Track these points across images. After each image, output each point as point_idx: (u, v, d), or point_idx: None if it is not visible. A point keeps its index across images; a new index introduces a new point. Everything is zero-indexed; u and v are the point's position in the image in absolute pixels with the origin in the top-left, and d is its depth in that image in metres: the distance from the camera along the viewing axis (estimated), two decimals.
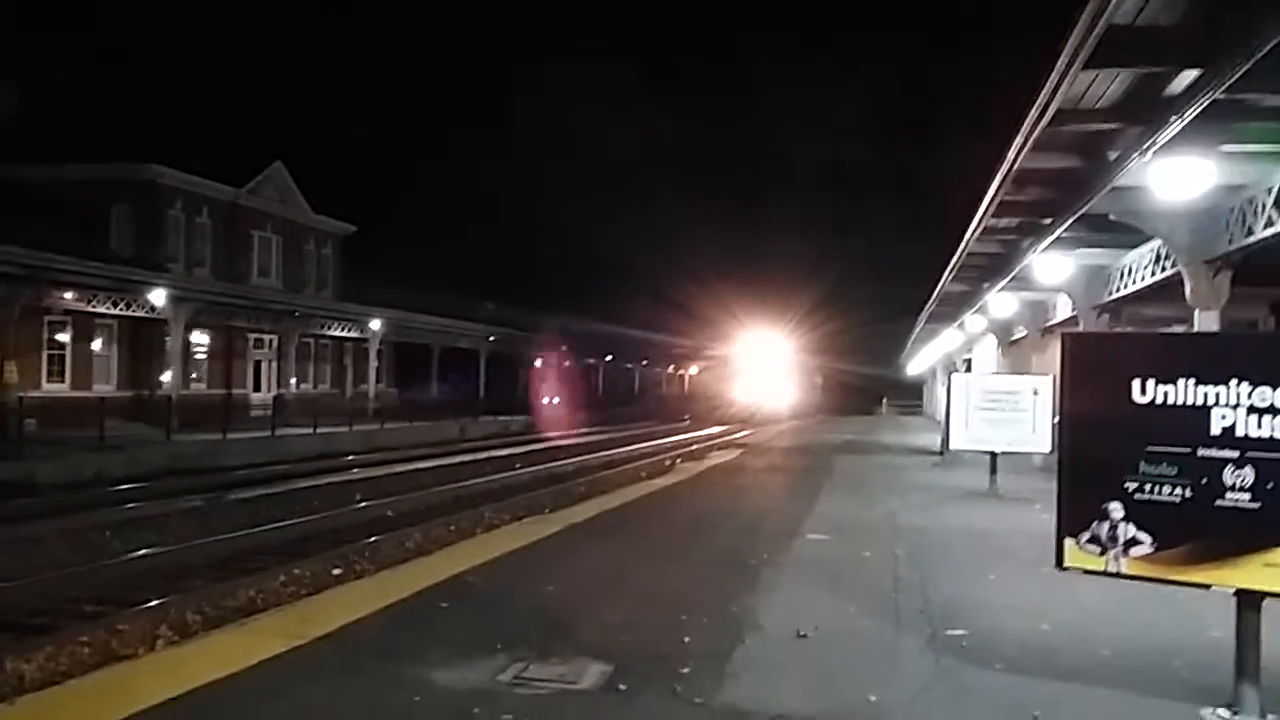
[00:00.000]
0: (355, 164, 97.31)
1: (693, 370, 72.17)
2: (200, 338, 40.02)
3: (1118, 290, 17.55)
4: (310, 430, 32.90)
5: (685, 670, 5.73)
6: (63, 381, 35.10)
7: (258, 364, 44.85)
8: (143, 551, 13.75)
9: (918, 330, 42.69)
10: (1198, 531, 4.94)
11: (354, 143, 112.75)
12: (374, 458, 30.54)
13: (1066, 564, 5.34)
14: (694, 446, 37.27)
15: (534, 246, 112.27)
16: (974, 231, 16.62)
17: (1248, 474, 4.81)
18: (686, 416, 60.34)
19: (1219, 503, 4.86)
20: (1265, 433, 4.78)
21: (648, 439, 42.34)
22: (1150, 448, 5.06)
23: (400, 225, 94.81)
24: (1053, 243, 14.96)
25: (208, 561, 13.43)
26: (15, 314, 28.56)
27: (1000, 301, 22.46)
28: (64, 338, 35.20)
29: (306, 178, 47.94)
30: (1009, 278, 19.03)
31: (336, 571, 12.74)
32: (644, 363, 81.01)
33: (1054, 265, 17.01)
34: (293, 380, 42.17)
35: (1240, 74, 7.42)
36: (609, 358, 73.73)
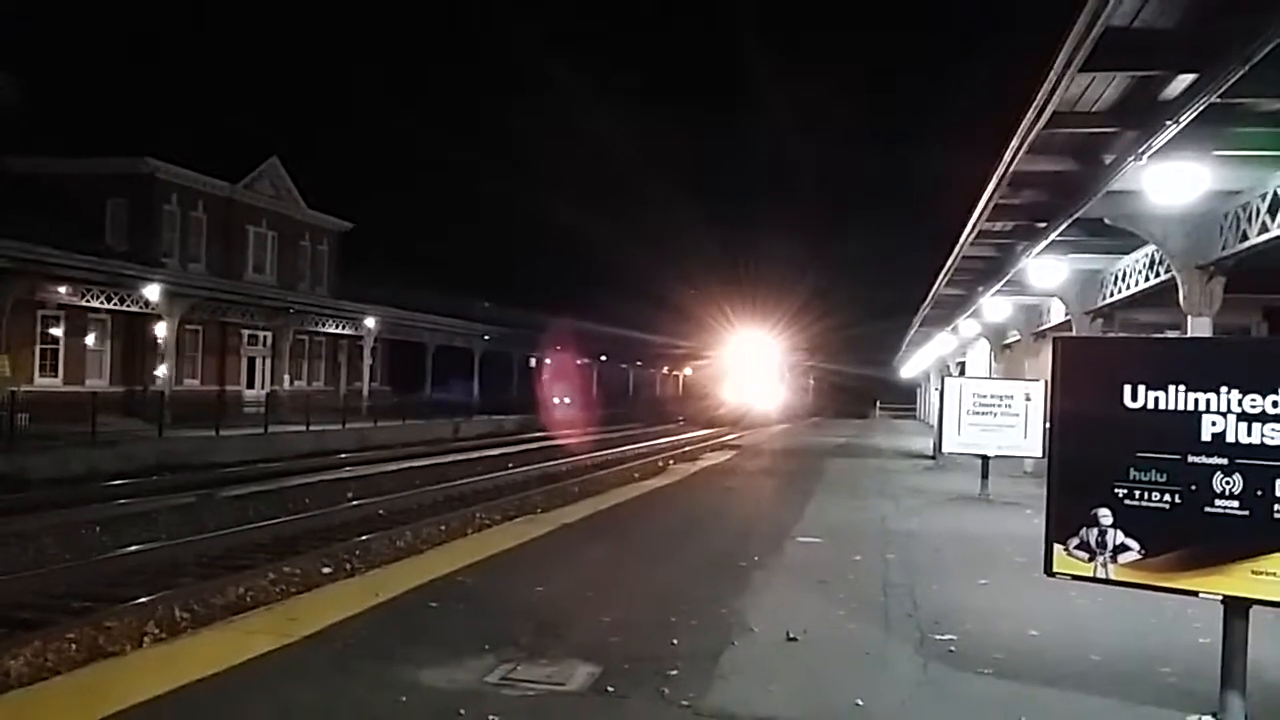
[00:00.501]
0: (352, 161, 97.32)
1: (686, 371, 71.92)
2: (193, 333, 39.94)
3: (1111, 295, 17.58)
4: (303, 428, 32.88)
5: (674, 672, 5.72)
6: (55, 376, 35.00)
7: (252, 360, 44.76)
8: (132, 548, 13.71)
9: (911, 334, 42.74)
10: (1186, 538, 4.93)
11: (350, 139, 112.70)
12: (367, 456, 30.53)
13: (1055, 570, 5.33)
14: (686, 448, 37.26)
15: (529, 246, 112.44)
16: (969, 235, 16.63)
17: (1237, 481, 4.80)
18: (680, 418, 60.19)
19: (1208, 509, 4.85)
20: (1255, 440, 4.77)
21: (641, 440, 42.34)
22: (1140, 453, 5.05)
23: (396, 223, 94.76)
24: (1047, 247, 14.98)
25: (197, 559, 13.39)
26: (8, 308, 28.48)
27: (994, 305, 22.50)
28: (57, 332, 35.11)
29: (302, 174, 47.95)
30: (1003, 281, 19.05)
31: (326, 570, 12.72)
32: (638, 364, 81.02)
33: (1048, 269, 17.04)
34: (286, 377, 42.09)
35: (1236, 78, 7.44)
36: (603, 358, 73.72)
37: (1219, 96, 7.91)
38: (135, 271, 32.54)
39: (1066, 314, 19.73)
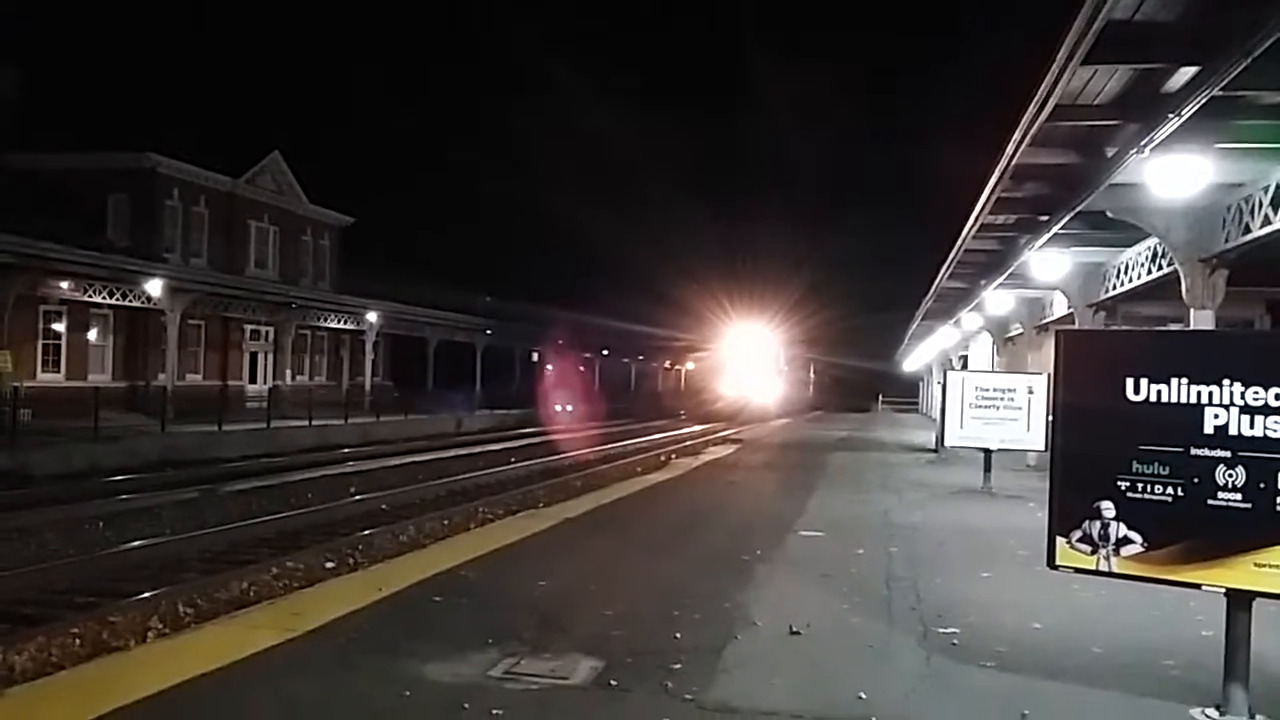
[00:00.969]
0: (353, 156, 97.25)
1: (689, 366, 71.57)
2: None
3: (1114, 288, 17.57)
4: (306, 423, 32.87)
5: (677, 666, 5.72)
6: (58, 371, 35.05)
7: (254, 355, 44.81)
8: (135, 543, 13.72)
9: (914, 327, 42.72)
10: (1189, 531, 4.94)
11: (352, 135, 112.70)
12: (369, 451, 30.56)
13: (1058, 563, 5.34)
14: (688, 443, 37.25)
15: (530, 241, 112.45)
16: (971, 228, 16.61)
17: (1240, 474, 4.80)
18: (682, 413, 59.96)
19: (1210, 502, 4.86)
20: (1258, 432, 4.77)
21: (642, 434, 42.32)
22: (1143, 446, 5.06)
23: (398, 218, 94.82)
24: (1050, 240, 14.97)
25: (201, 554, 13.41)
26: (10, 303, 28.48)
27: (997, 299, 22.49)
28: (59, 327, 35.14)
29: (304, 169, 47.98)
30: (1005, 275, 19.04)
31: (329, 565, 12.73)
32: (640, 358, 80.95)
33: (1051, 263, 17.03)
34: (288, 372, 42.12)
35: (1238, 71, 7.42)
36: (605, 353, 73.68)
37: (1221, 89, 7.90)
38: (137, 267, 32.54)
39: (1069, 307, 19.72)
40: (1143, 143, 9.53)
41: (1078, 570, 5.30)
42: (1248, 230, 11.54)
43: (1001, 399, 15.43)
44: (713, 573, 8.64)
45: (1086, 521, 5.20)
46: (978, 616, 7.15)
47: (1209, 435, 4.89)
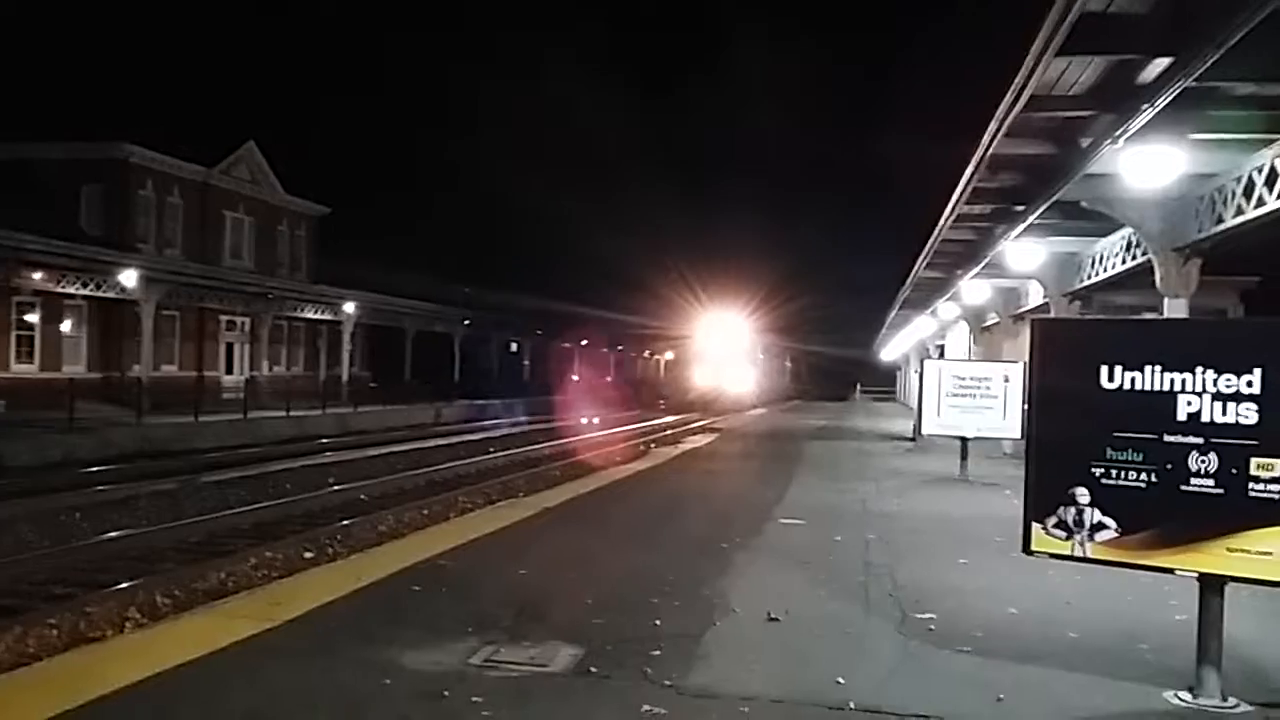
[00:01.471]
0: (330, 146, 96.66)
1: (668, 355, 71.27)
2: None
3: (1089, 278, 17.69)
4: (283, 413, 32.74)
5: (656, 653, 5.75)
6: (31, 363, 34.77)
7: (230, 346, 44.56)
8: (112, 534, 13.65)
9: (891, 316, 42.85)
10: (1162, 516, 5.00)
11: (328, 124, 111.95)
12: (347, 441, 30.48)
13: (1034, 548, 5.40)
14: (667, 432, 37.30)
15: (508, 231, 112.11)
16: (948, 218, 16.68)
17: (1212, 460, 4.87)
18: (662, 402, 59.55)
19: (1183, 488, 4.93)
20: (1230, 419, 4.84)
21: (623, 424, 42.32)
22: (1117, 433, 5.12)
23: (375, 208, 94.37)
24: (1025, 230, 15.04)
25: (178, 544, 13.35)
26: None
27: (973, 288, 22.60)
28: (33, 318, 34.85)
29: (280, 159, 47.63)
30: (982, 264, 19.13)
31: (308, 555, 12.71)
32: (619, 348, 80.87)
33: (1026, 252, 17.13)
34: (265, 363, 41.92)
35: (1211, 62, 7.48)
36: (584, 343, 73.61)
37: (1194, 80, 7.97)
38: (111, 257, 32.31)
39: (1045, 296, 19.84)
40: (1117, 133, 9.59)
41: (1053, 556, 5.36)
42: (1220, 220, 11.65)
43: (978, 387, 15.54)
44: (692, 560, 8.67)
45: (1062, 508, 5.26)
46: (954, 602, 7.22)
47: (1182, 422, 4.96)
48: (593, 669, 5.48)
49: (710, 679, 5.36)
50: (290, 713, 4.90)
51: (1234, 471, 4.81)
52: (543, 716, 4.88)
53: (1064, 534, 5.27)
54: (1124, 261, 15.57)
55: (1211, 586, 5.00)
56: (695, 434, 31.95)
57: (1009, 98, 9.86)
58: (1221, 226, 11.65)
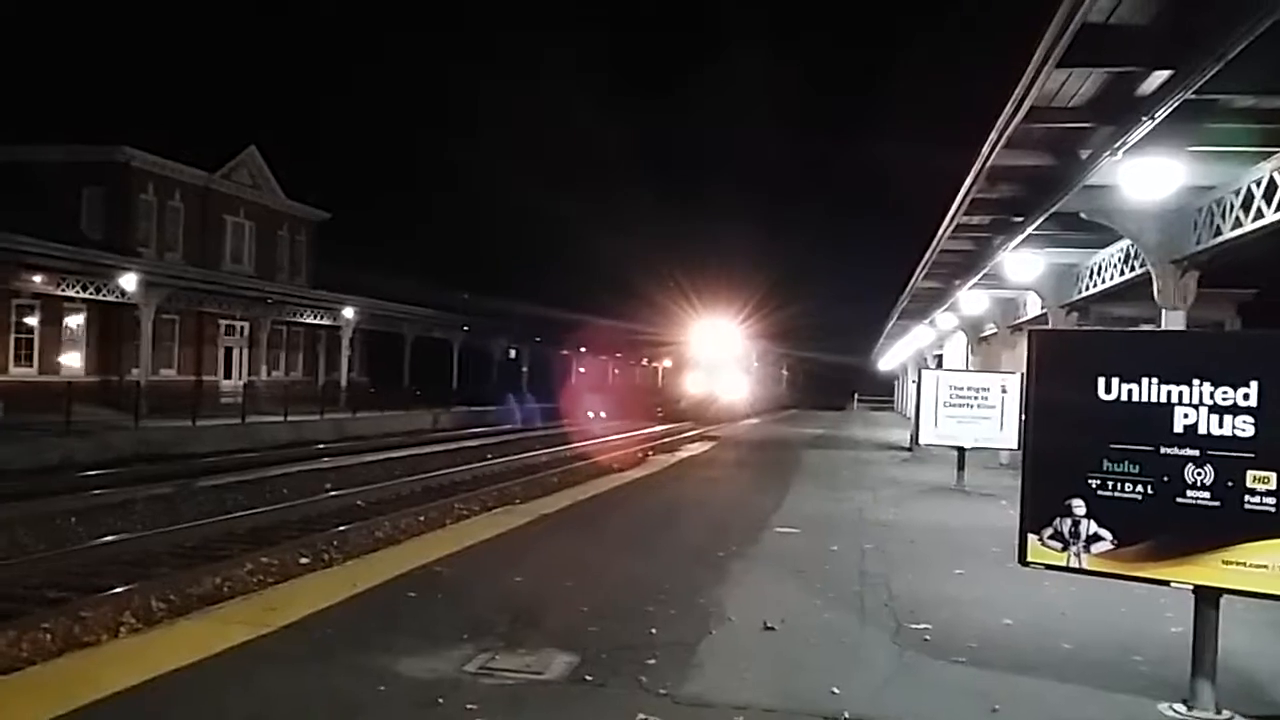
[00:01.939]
0: (331, 151, 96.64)
1: (666, 363, 70.64)
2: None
3: (1087, 289, 17.70)
4: (281, 418, 32.73)
5: (652, 661, 5.75)
6: (31, 365, 34.78)
7: (229, 351, 44.55)
8: (108, 538, 13.62)
9: (889, 326, 42.88)
10: (1158, 528, 5.01)
11: (330, 130, 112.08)
12: (345, 446, 30.46)
13: (1030, 559, 5.40)
14: (664, 440, 37.25)
15: (507, 238, 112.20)
16: (946, 228, 16.70)
17: (1208, 472, 4.88)
18: (659, 410, 58.78)
19: (1179, 500, 4.93)
20: (1226, 432, 4.85)
21: (618, 432, 42.26)
22: (1114, 445, 5.13)
23: (375, 214, 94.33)
24: (1024, 241, 15.08)
25: (174, 549, 13.33)
26: None
27: (971, 299, 22.62)
28: (32, 321, 34.86)
29: (281, 164, 47.67)
30: (980, 275, 19.15)
31: (304, 560, 12.69)
32: (617, 355, 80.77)
33: (1024, 263, 17.15)
34: (264, 367, 41.92)
35: (1210, 75, 7.50)
36: (582, 350, 73.53)
37: (1193, 93, 7.99)
38: (111, 261, 32.31)
39: (1042, 307, 19.86)
40: (1116, 145, 9.62)
41: (1049, 567, 5.37)
42: (1219, 232, 11.66)
43: (975, 398, 15.55)
44: (688, 569, 8.67)
45: (1058, 519, 5.27)
46: (950, 612, 7.22)
47: (1179, 434, 4.96)
48: (588, 676, 5.48)
49: (705, 687, 5.36)
50: (285, 719, 4.90)
51: (1230, 484, 4.82)
52: None
53: (1060, 545, 5.27)
54: (1122, 273, 15.58)
55: (1207, 599, 5.00)
56: (692, 442, 31.92)
57: (1009, 109, 9.89)
58: (1219, 239, 11.67)
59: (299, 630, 6.31)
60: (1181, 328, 12.56)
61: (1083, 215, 13.18)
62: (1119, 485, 5.10)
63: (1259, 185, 10.61)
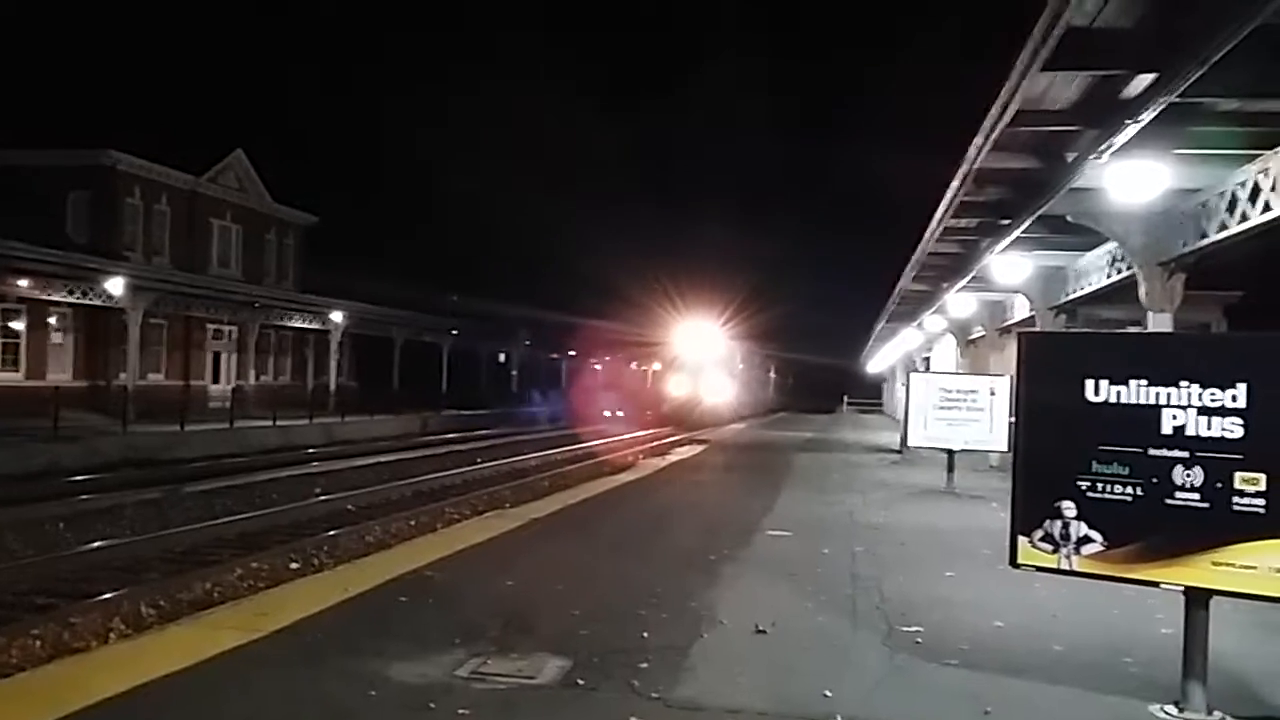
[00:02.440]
0: (318, 155, 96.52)
1: (655, 366, 70.04)
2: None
3: (1074, 291, 17.77)
4: (270, 423, 32.63)
5: (644, 665, 5.75)
6: (16, 370, 34.59)
7: (217, 355, 44.40)
8: (96, 544, 13.57)
9: (878, 329, 42.97)
10: (1148, 530, 5.03)
11: (316, 133, 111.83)
12: (334, 451, 30.40)
13: (1020, 561, 5.42)
14: (654, 443, 37.23)
15: (495, 241, 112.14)
16: (934, 231, 16.75)
17: (1197, 474, 4.90)
18: (649, 412, 57.75)
19: (1169, 502, 4.95)
20: (1215, 433, 4.87)
21: (610, 435, 42.19)
22: (1103, 447, 5.15)
23: (364, 217, 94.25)
24: (1011, 243, 15.11)
25: (163, 555, 13.29)
26: None
27: (959, 301, 22.68)
28: (18, 326, 34.67)
29: (268, 167, 47.55)
30: (968, 278, 19.20)
31: (294, 565, 12.66)
32: (606, 358, 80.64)
33: (1012, 266, 17.20)
34: (252, 372, 41.80)
35: (1195, 78, 7.54)
36: (571, 353, 73.45)
37: (1178, 96, 8.02)
38: (98, 265, 32.15)
39: (1030, 310, 19.92)
40: (1102, 148, 9.66)
41: (1039, 569, 5.38)
42: (1204, 235, 11.72)
43: (964, 400, 15.60)
44: (680, 572, 8.68)
45: (1048, 521, 5.29)
46: (941, 615, 7.23)
47: (1167, 436, 4.99)
48: (580, 681, 5.48)
49: (697, 691, 5.37)
50: None
51: (1219, 485, 4.84)
52: None
53: (1050, 547, 5.29)
54: (1109, 276, 15.65)
55: (1197, 600, 5.02)
56: (683, 445, 31.92)
57: (995, 111, 9.92)
58: (1205, 241, 11.72)
59: (290, 635, 6.30)
60: (1169, 330, 12.62)
61: (1069, 218, 13.23)
62: (1109, 487, 5.13)
63: (1244, 188, 10.66)
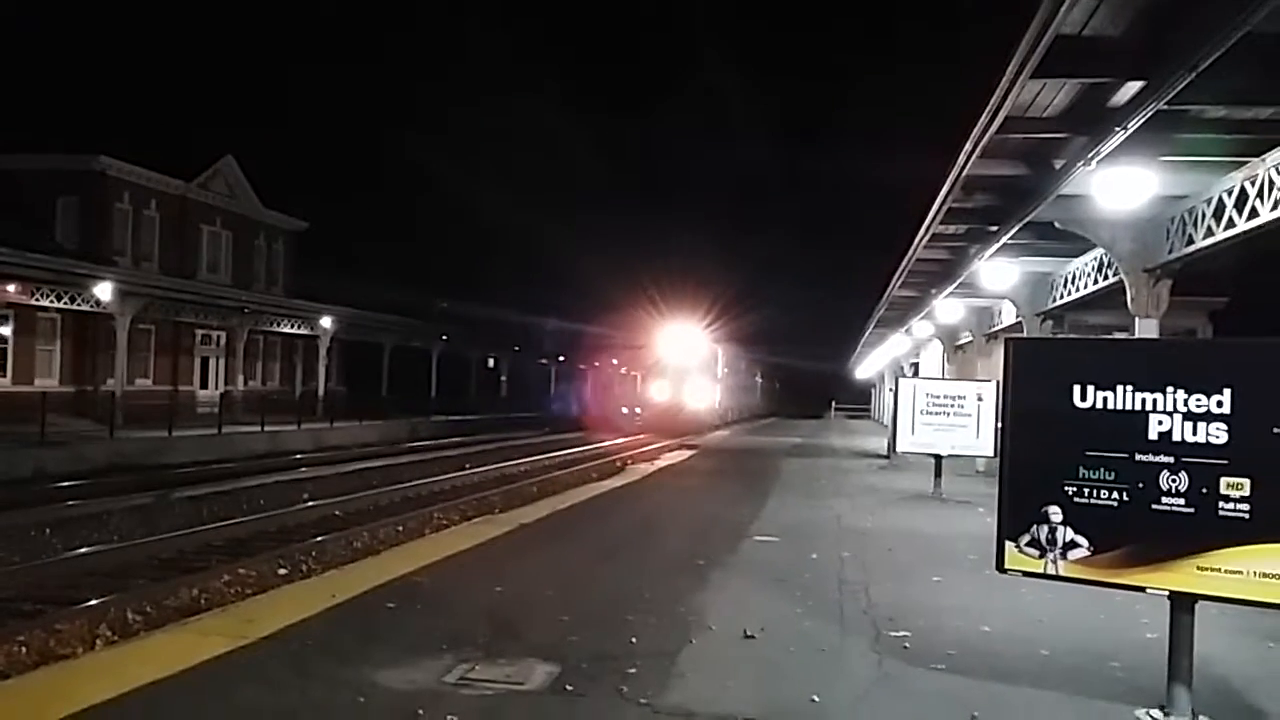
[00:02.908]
0: (308, 160, 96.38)
1: (638, 371, 69.18)
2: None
3: (1061, 297, 17.85)
4: (258, 428, 32.52)
5: (632, 670, 5.76)
6: (4, 376, 34.37)
7: (205, 360, 44.24)
8: (83, 550, 13.51)
9: (866, 334, 43.07)
10: (1133, 535, 5.05)
11: (306, 139, 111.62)
12: (323, 456, 30.31)
13: (1007, 566, 5.43)
14: (645, 448, 37.21)
15: (485, 246, 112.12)
16: (922, 237, 16.82)
17: (1183, 479, 4.92)
18: (635, 417, 56.34)
19: (1155, 507, 4.97)
20: (1200, 439, 4.89)
21: (599, 441, 42.22)
22: (1089, 452, 5.17)
23: (353, 223, 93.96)
24: (999, 250, 15.20)
25: (150, 561, 13.23)
26: None
27: (947, 307, 22.76)
28: (6, 331, 34.48)
29: (258, 172, 47.40)
30: (956, 284, 19.28)
31: (282, 571, 12.61)
32: (595, 364, 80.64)
33: (1000, 272, 17.28)
34: (241, 377, 41.66)
35: (1182, 86, 7.60)
36: (561, 359, 73.42)
37: (1166, 103, 8.09)
38: (87, 270, 31.98)
39: (1018, 316, 20.00)
40: (1090, 155, 9.72)
41: (1026, 574, 5.39)
42: (1191, 241, 11.79)
43: (952, 406, 15.64)
44: (668, 578, 8.68)
45: (1035, 526, 5.30)
46: (928, 620, 7.25)
47: (1153, 441, 5.00)
48: (568, 687, 5.48)
49: (686, 697, 5.37)
50: None
51: (1204, 490, 4.86)
52: None
53: (1037, 552, 5.31)
54: (1096, 282, 15.72)
55: (1182, 605, 5.04)
56: (672, 450, 31.93)
57: (984, 119, 9.97)
58: (1192, 248, 11.79)
59: (277, 642, 6.28)
60: (1155, 336, 12.69)
61: (1057, 224, 13.31)
62: (1095, 492, 5.14)
63: (1230, 194, 10.73)
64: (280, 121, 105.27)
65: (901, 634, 6.81)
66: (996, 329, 23.45)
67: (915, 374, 34.06)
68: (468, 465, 28.28)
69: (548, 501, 15.40)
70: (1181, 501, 4.92)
